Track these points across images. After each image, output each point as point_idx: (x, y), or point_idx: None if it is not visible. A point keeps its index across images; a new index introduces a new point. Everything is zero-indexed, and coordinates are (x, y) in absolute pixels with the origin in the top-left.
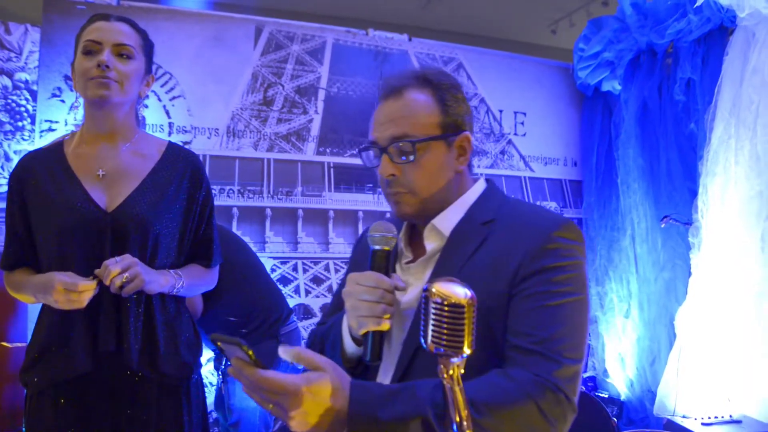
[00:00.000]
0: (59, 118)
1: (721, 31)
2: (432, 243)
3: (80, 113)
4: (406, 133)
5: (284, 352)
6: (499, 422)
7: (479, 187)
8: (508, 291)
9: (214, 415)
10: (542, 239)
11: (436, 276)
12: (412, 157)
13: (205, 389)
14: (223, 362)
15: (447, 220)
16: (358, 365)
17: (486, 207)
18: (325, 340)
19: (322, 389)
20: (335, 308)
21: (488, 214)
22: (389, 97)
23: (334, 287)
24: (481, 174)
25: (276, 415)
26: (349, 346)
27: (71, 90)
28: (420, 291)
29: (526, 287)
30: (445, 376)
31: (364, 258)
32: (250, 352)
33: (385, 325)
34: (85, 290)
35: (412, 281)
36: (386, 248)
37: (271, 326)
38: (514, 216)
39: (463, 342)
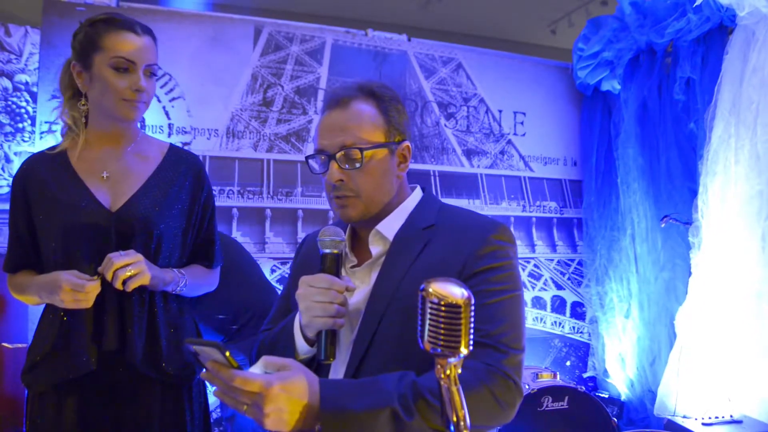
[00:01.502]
0: (55, 118)
1: (720, 30)
2: (377, 247)
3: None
4: (354, 141)
5: (254, 366)
6: None
7: (417, 194)
8: None
9: (215, 415)
10: (482, 242)
11: (381, 279)
12: (358, 164)
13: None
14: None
15: (390, 226)
16: (310, 366)
17: (425, 213)
18: (276, 343)
19: (295, 386)
20: (280, 314)
21: (428, 219)
22: (335, 107)
23: None
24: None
25: (250, 416)
26: (302, 347)
27: None
28: (368, 292)
29: (470, 286)
30: (443, 376)
31: (309, 263)
32: (227, 353)
33: (339, 325)
34: (91, 290)
35: (357, 284)
36: (335, 251)
37: (260, 322)
38: (452, 221)
39: (460, 342)
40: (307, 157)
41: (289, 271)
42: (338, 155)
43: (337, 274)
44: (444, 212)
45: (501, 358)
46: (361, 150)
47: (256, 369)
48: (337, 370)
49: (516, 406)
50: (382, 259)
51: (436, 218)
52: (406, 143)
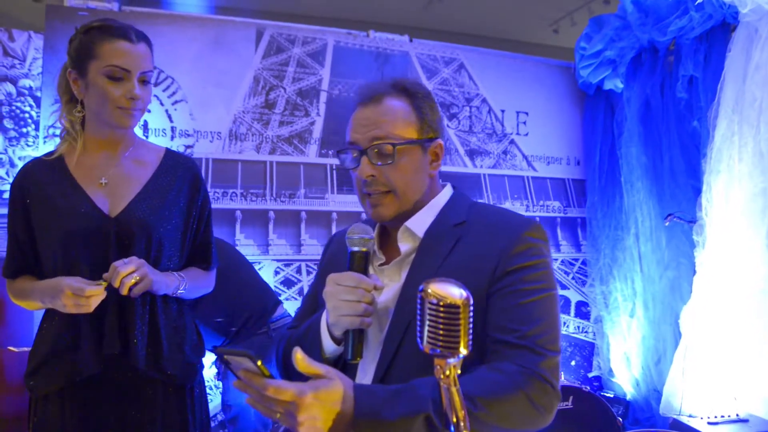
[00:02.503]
0: (54, 122)
1: (723, 27)
2: (406, 244)
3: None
4: (386, 135)
5: (299, 360)
6: (494, 414)
7: (447, 192)
8: (487, 289)
9: (219, 417)
10: (515, 240)
11: (412, 277)
12: (390, 160)
13: (211, 392)
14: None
15: (420, 222)
16: (337, 364)
17: (456, 210)
18: (302, 341)
19: (329, 395)
20: (307, 312)
21: (459, 216)
22: (368, 102)
23: None
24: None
25: (284, 424)
26: (328, 346)
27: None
28: (397, 291)
29: (503, 286)
30: (442, 376)
31: (336, 261)
32: (260, 363)
33: (366, 324)
34: (93, 295)
35: (386, 282)
36: (364, 249)
37: (258, 321)
38: (484, 218)
39: (459, 342)
40: (338, 152)
41: (316, 269)
42: (370, 150)
43: (365, 273)
44: (475, 209)
45: (538, 361)
46: (394, 145)
47: (297, 365)
48: (366, 370)
49: (554, 410)
50: (412, 257)
51: (468, 215)
52: (439, 141)
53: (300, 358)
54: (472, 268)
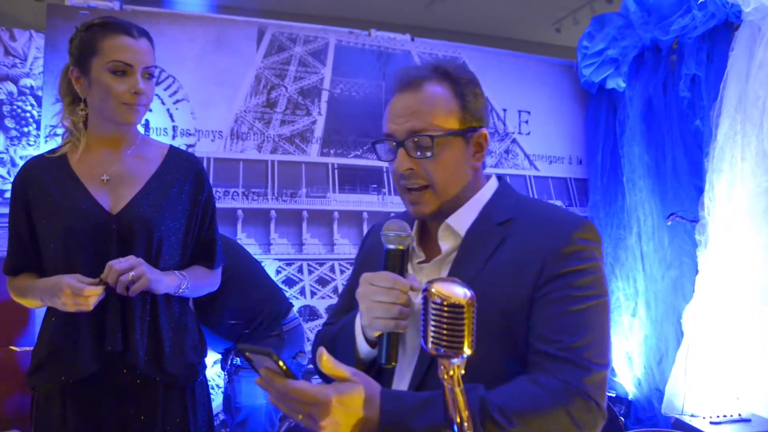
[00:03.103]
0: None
1: (726, 26)
2: (447, 243)
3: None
4: (425, 127)
5: (324, 361)
6: (530, 431)
7: (492, 185)
8: (530, 295)
9: (221, 417)
10: (563, 241)
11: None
12: (429, 153)
13: (213, 391)
14: (229, 362)
15: (462, 220)
16: (371, 368)
17: (501, 206)
18: (336, 341)
19: (353, 400)
20: (343, 309)
21: (504, 213)
22: (407, 88)
23: (340, 288)
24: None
25: (307, 426)
26: (363, 348)
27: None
28: None
29: (548, 291)
30: (446, 377)
31: (373, 257)
32: (281, 362)
33: (402, 327)
34: (92, 294)
35: (425, 282)
36: (400, 247)
37: (272, 323)
38: (531, 216)
39: (463, 342)
40: (374, 143)
41: (354, 264)
42: (407, 142)
43: (402, 272)
44: (522, 206)
45: (582, 376)
46: (432, 137)
47: (321, 365)
48: (403, 375)
49: (598, 429)
50: (453, 256)
51: (513, 212)
52: (483, 131)
53: (325, 360)
54: (516, 271)
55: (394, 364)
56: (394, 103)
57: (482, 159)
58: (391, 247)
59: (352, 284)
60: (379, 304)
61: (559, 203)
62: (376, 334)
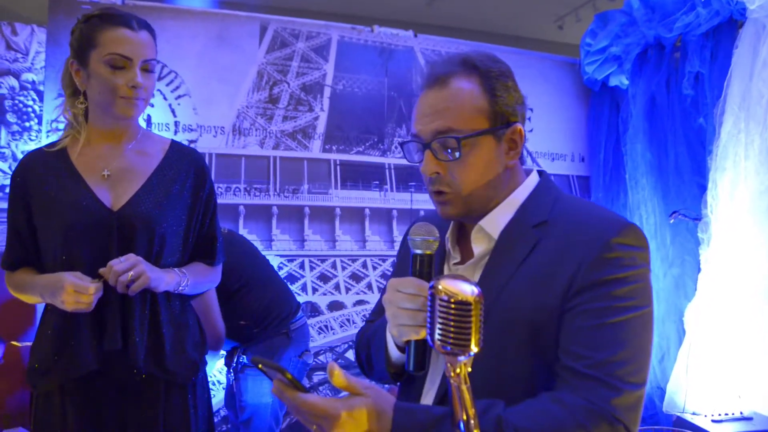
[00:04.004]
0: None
1: (730, 24)
2: (480, 246)
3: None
4: (451, 127)
5: (335, 375)
6: None
7: (531, 182)
8: (561, 305)
9: (222, 413)
10: (600, 247)
11: (484, 284)
12: (457, 154)
13: (214, 387)
14: (235, 359)
15: (495, 222)
16: (404, 373)
17: (537, 207)
18: (371, 342)
19: (362, 414)
20: (381, 307)
21: (540, 215)
22: (433, 85)
23: (341, 285)
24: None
25: None
26: (394, 353)
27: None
28: None
29: (580, 302)
30: (452, 374)
31: (406, 260)
32: (289, 376)
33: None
34: (94, 292)
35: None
36: (428, 252)
37: (281, 323)
38: (568, 218)
39: (470, 340)
40: (401, 143)
41: (395, 260)
42: (433, 144)
43: (430, 278)
44: (560, 206)
45: (610, 397)
46: (458, 139)
47: (333, 380)
48: (434, 381)
49: None
50: (486, 260)
51: (550, 213)
52: (517, 126)
53: (336, 374)
54: (548, 278)
55: (422, 371)
56: (421, 102)
57: (517, 156)
58: (418, 252)
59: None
60: (404, 311)
61: None
62: (404, 339)
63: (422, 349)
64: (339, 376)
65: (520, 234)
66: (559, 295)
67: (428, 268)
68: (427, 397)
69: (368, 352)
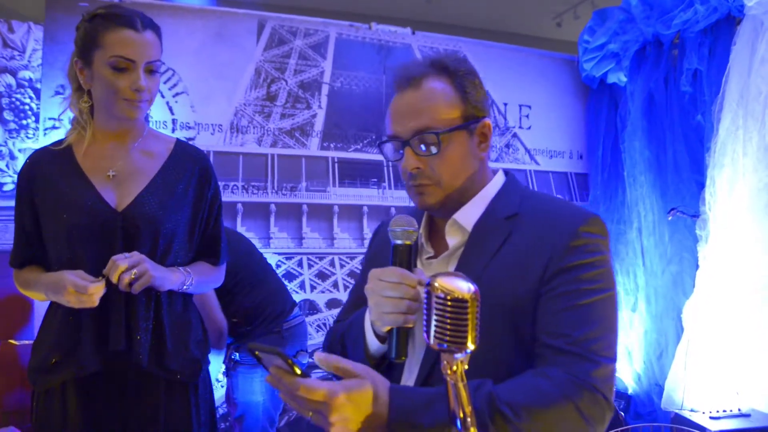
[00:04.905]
0: (63, 115)
1: (728, 20)
2: (454, 238)
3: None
4: (429, 124)
5: (321, 362)
6: (539, 425)
7: (499, 179)
8: (537, 289)
9: (221, 411)
10: (569, 235)
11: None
12: (436, 149)
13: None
14: (228, 357)
15: (469, 215)
16: (382, 363)
17: (508, 201)
18: (346, 338)
19: (361, 396)
20: (352, 306)
21: (511, 208)
22: (407, 87)
23: (340, 282)
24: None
25: (316, 423)
26: (372, 343)
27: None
28: None
29: (555, 286)
30: (449, 372)
31: (381, 254)
32: (290, 361)
33: (411, 322)
34: (95, 292)
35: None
36: (408, 242)
37: (273, 321)
38: (537, 210)
39: (466, 338)
40: (379, 143)
41: (363, 261)
42: (413, 141)
43: (410, 267)
44: (528, 200)
45: (589, 369)
46: (438, 134)
47: (323, 365)
48: (412, 369)
49: (606, 423)
50: (460, 251)
51: (520, 206)
52: (486, 120)
53: (321, 360)
54: (523, 266)
55: (404, 358)
56: (396, 103)
57: (487, 149)
58: (399, 242)
59: (361, 282)
60: (387, 299)
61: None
62: (386, 329)
63: (404, 337)
64: (331, 361)
65: (493, 226)
66: (535, 281)
67: (408, 257)
68: (407, 385)
69: (343, 348)
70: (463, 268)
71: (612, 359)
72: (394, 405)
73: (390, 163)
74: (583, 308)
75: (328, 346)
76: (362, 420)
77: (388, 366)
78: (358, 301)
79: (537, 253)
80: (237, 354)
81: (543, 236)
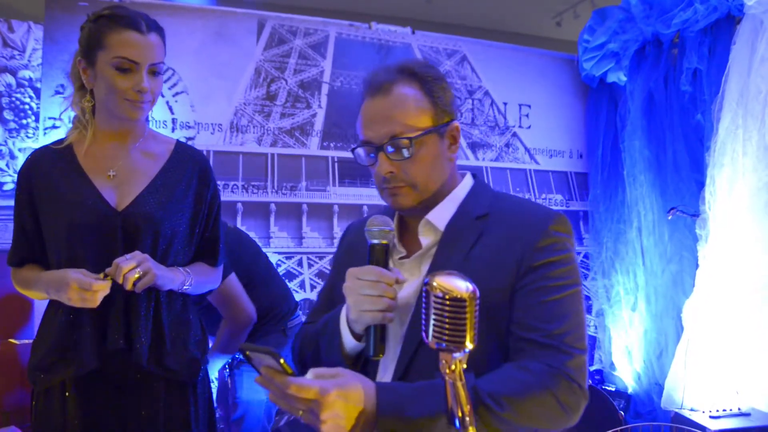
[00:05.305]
0: (63, 115)
1: (728, 20)
2: (427, 238)
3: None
4: (401, 130)
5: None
6: (521, 414)
7: (468, 182)
8: (512, 286)
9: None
10: (539, 234)
11: (434, 271)
12: (408, 153)
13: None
14: (233, 356)
15: (441, 215)
16: (357, 361)
17: (478, 202)
18: (320, 338)
19: (353, 393)
20: (322, 308)
21: (481, 208)
22: (377, 93)
23: None
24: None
25: (307, 422)
26: (349, 342)
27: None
28: (418, 285)
29: (528, 282)
30: (447, 371)
31: (353, 255)
32: (282, 360)
33: (389, 319)
34: (99, 290)
35: (407, 276)
36: (384, 242)
37: (279, 320)
38: (507, 210)
39: (465, 336)
40: (352, 149)
41: (330, 266)
42: (386, 146)
43: (386, 266)
44: (498, 201)
45: (564, 360)
46: (410, 139)
47: (309, 376)
48: (387, 367)
49: (581, 410)
50: (433, 251)
51: (490, 207)
52: (455, 123)
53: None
54: (496, 264)
55: (381, 355)
56: (367, 109)
57: (457, 151)
58: (376, 241)
59: (331, 284)
60: (366, 297)
61: (559, 197)
62: (363, 327)
63: (381, 335)
64: (306, 378)
65: (465, 225)
66: (509, 277)
67: (384, 256)
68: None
69: (316, 349)
70: (437, 267)
71: (584, 350)
72: (382, 400)
73: None
74: (556, 303)
75: (299, 348)
76: (354, 416)
77: (364, 364)
78: (327, 304)
79: (509, 251)
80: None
81: (514, 235)
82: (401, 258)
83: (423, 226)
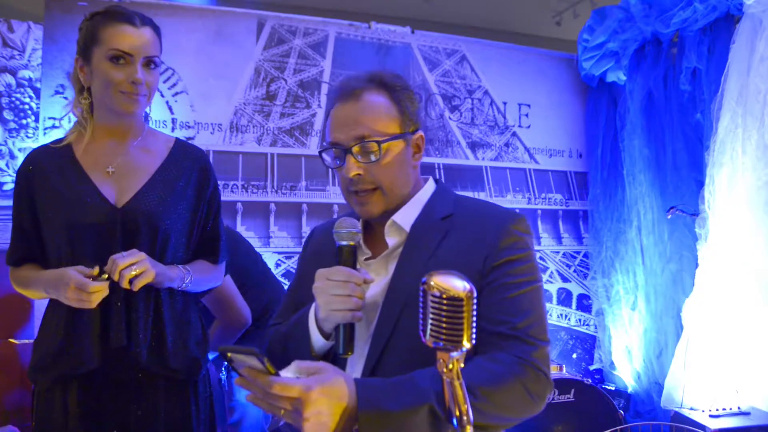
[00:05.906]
0: (62, 115)
1: (727, 19)
2: (393, 238)
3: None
4: (369, 134)
5: (284, 371)
6: (494, 403)
7: (430, 186)
8: (478, 282)
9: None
10: (503, 233)
11: (400, 270)
12: (375, 157)
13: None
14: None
15: (406, 216)
16: (326, 359)
17: (441, 204)
18: (289, 338)
19: (334, 389)
20: (289, 309)
21: (445, 209)
22: (348, 99)
23: None
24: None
25: (288, 421)
26: (318, 340)
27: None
28: (385, 285)
29: (493, 279)
30: (445, 370)
31: (320, 258)
32: (266, 360)
33: (358, 318)
34: (97, 291)
35: (373, 276)
36: (352, 243)
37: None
38: (470, 211)
39: (462, 335)
40: (320, 152)
41: (296, 265)
42: (354, 149)
43: (354, 266)
44: (461, 203)
45: (531, 351)
46: (379, 143)
47: (287, 373)
48: (355, 365)
49: (546, 398)
50: (399, 251)
51: (454, 208)
52: (420, 133)
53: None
54: (462, 262)
55: (351, 353)
56: (337, 114)
57: (420, 159)
58: (344, 243)
59: (297, 285)
60: (336, 297)
61: (559, 197)
62: (333, 326)
63: (350, 333)
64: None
65: (430, 226)
66: (475, 275)
67: (352, 257)
68: None
69: (283, 349)
70: (405, 266)
71: (547, 342)
72: (361, 395)
73: None
74: (519, 298)
75: (268, 348)
76: (336, 412)
77: (332, 362)
78: (294, 305)
79: (474, 250)
80: None
81: (478, 234)
82: (367, 259)
83: (389, 227)
